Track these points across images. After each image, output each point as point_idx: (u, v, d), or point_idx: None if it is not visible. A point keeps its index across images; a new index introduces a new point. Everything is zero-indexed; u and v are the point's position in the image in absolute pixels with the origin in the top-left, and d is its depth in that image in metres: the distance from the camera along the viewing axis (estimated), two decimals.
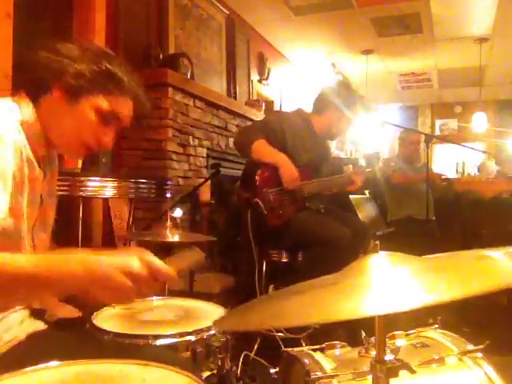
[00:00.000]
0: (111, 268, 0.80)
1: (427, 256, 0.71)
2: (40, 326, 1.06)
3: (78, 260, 0.81)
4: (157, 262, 0.86)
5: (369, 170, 2.84)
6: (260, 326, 0.84)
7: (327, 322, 0.55)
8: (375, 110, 6.78)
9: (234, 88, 4.57)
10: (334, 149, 6.99)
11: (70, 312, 1.06)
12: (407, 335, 1.03)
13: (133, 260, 0.83)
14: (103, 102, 1.02)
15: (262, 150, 2.35)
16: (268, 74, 5.49)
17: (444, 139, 6.99)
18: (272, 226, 2.32)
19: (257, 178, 2.34)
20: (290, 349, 1.02)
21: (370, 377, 0.72)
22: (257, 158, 2.35)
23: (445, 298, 0.51)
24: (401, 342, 0.99)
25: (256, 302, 0.77)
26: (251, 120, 3.89)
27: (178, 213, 2.61)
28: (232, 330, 1.16)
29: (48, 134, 1.02)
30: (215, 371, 1.13)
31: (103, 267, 0.80)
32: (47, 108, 1.01)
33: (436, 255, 0.73)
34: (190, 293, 2.34)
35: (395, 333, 1.01)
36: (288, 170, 2.35)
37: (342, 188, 2.61)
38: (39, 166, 1.01)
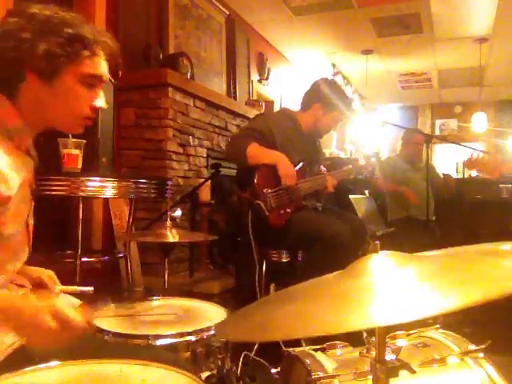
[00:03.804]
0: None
1: (428, 253, 0.70)
2: None
3: None
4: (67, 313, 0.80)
5: (346, 168, 2.77)
6: (250, 339, 0.80)
7: (327, 334, 0.48)
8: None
9: (234, 88, 4.57)
10: (334, 149, 6.98)
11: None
12: (408, 335, 1.02)
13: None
14: (82, 70, 0.97)
15: (258, 153, 2.35)
16: (268, 73, 5.48)
17: (444, 139, 6.99)
18: (274, 226, 2.32)
19: (255, 179, 2.34)
20: (290, 349, 1.02)
21: (371, 377, 0.71)
22: (254, 162, 2.35)
23: (461, 305, 0.45)
24: (402, 342, 0.99)
25: (258, 307, 0.76)
26: None
27: (177, 213, 2.61)
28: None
29: (37, 122, 0.99)
30: (215, 371, 1.13)
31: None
32: (27, 97, 0.95)
33: (437, 251, 0.73)
34: (189, 293, 2.34)
35: (396, 333, 1.00)
36: (286, 167, 2.36)
37: (322, 187, 2.58)
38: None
